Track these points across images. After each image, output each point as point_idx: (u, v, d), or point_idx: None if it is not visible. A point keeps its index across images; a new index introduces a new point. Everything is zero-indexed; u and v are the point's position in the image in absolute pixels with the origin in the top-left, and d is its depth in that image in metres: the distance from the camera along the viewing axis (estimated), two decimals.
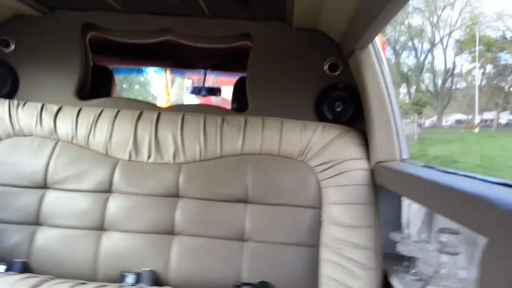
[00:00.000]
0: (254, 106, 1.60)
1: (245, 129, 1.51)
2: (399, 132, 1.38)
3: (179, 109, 1.63)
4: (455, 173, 0.95)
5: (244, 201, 1.46)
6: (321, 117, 1.56)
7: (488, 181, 0.79)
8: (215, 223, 1.44)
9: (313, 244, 1.40)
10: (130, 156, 1.53)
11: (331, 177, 1.41)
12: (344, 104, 1.55)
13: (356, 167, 1.39)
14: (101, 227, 1.48)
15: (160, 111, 1.60)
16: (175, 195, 1.49)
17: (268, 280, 1.36)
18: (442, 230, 0.94)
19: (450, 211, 0.74)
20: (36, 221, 1.49)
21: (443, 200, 0.78)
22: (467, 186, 0.71)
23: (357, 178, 1.38)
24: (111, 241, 1.45)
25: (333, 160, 1.42)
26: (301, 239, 1.41)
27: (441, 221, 1.17)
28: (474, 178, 0.85)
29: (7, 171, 1.53)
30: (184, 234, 1.45)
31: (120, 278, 1.40)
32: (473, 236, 0.99)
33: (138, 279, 1.38)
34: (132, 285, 1.34)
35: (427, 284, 0.97)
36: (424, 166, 1.16)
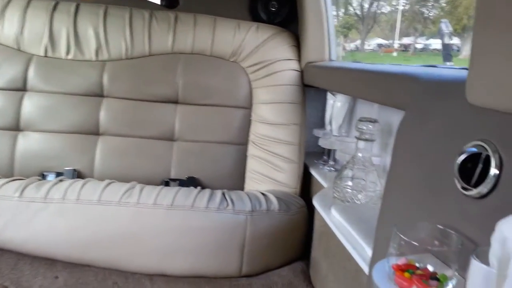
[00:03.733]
0: (186, 2, 1.51)
1: (175, 26, 1.44)
2: (330, 34, 1.41)
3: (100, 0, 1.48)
4: (381, 64, 1.01)
5: (175, 101, 1.44)
6: (255, 17, 1.53)
7: (412, 66, 0.86)
8: (144, 123, 1.42)
9: (241, 142, 1.46)
10: (45, 51, 1.40)
11: (262, 77, 1.43)
12: (279, 4, 1.52)
13: (287, 68, 1.42)
14: (16, 127, 1.38)
15: (78, 2, 1.44)
16: (99, 94, 1.42)
17: (197, 176, 1.41)
18: (361, 119, 1.03)
19: (373, 93, 0.81)
20: None
21: (367, 84, 0.83)
22: (389, 68, 0.76)
23: (287, 78, 1.41)
24: (29, 142, 1.38)
25: (265, 60, 1.43)
26: (230, 138, 1.45)
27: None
28: (399, 65, 0.91)
29: None
30: (110, 134, 1.42)
31: (41, 178, 1.35)
32: (388, 126, 1.10)
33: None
34: None
35: (344, 169, 1.07)
36: (352, 62, 1.23)
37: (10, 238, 1.09)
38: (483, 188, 0.45)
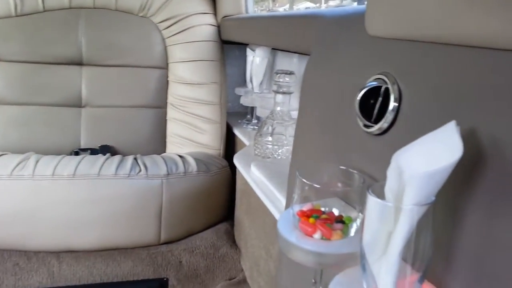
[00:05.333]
0: None
1: None
2: None
3: None
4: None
5: (79, 62, 1.30)
6: None
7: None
8: (45, 88, 1.27)
9: (159, 105, 1.36)
10: None
11: (176, 33, 1.33)
12: None
13: (202, 22, 1.33)
14: None
15: None
16: None
17: (112, 144, 1.30)
18: (278, 71, 0.99)
19: (281, 39, 0.76)
20: None
21: (276, 30, 0.79)
22: (297, 12, 0.72)
23: (203, 34, 1.32)
24: None
25: (178, 15, 1.32)
26: (147, 101, 1.35)
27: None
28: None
29: None
30: (6, 103, 1.25)
31: None
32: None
33: None
34: None
35: (264, 125, 1.04)
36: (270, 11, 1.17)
37: None
38: (383, 123, 0.43)
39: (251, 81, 1.35)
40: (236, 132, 1.32)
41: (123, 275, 1.04)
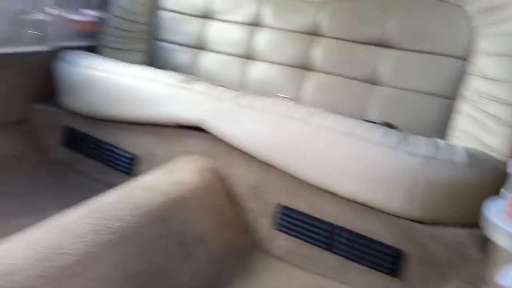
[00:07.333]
0: None
1: None
2: None
3: None
4: None
5: (385, 45, 1.42)
6: None
7: None
8: (350, 63, 1.47)
9: (450, 96, 1.32)
10: None
11: (490, 24, 1.22)
12: None
13: None
14: (248, 56, 1.68)
15: None
16: (317, 33, 1.54)
17: (392, 123, 1.36)
18: None
19: None
20: (199, 46, 1.77)
21: None
22: None
23: None
24: (256, 69, 1.66)
25: (498, 5, 1.20)
26: (439, 90, 1.33)
27: None
28: None
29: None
30: (320, 71, 1.53)
31: None
32: None
33: None
34: None
35: None
36: None
37: (224, 132, 1.32)
38: None
39: None
40: None
41: (365, 231, 1.12)
